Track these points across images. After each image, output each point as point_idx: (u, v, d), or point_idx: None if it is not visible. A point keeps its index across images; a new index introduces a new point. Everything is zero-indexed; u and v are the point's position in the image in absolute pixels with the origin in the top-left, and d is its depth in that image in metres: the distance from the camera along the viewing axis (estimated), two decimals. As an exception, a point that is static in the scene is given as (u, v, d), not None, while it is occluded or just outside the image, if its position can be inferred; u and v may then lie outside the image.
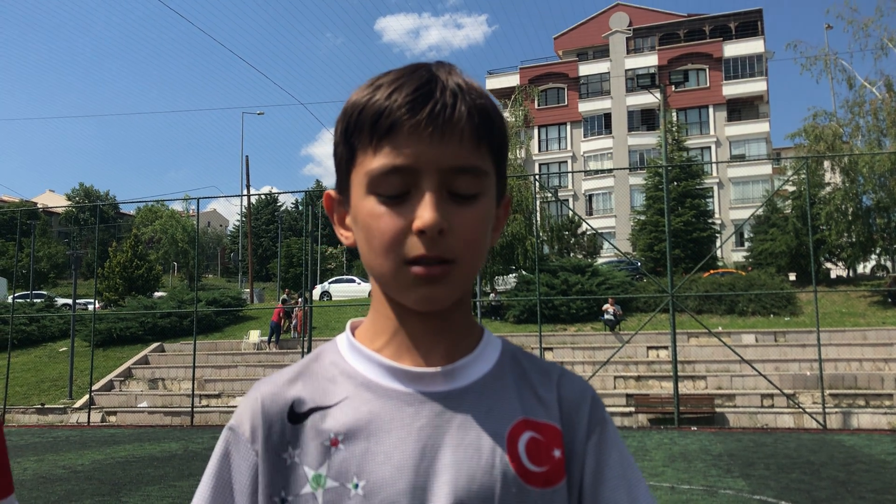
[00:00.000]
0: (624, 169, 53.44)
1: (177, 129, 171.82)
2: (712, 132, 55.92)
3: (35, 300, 39.33)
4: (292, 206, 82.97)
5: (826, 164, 30.70)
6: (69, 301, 34.53)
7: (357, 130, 0.87)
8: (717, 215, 47.74)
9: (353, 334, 0.96)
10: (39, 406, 26.24)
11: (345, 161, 0.91)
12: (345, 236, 0.94)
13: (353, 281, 41.81)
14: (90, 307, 32.76)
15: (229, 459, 0.91)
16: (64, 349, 30.54)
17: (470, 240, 0.85)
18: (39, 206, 61.81)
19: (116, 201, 49.57)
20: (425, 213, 0.82)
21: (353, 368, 0.91)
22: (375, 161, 0.85)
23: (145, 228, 63.33)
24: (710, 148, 55.40)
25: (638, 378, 23.02)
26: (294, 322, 29.30)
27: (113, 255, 45.44)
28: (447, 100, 0.84)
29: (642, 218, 41.86)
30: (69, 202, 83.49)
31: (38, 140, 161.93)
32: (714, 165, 52.90)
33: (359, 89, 0.89)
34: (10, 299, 33.17)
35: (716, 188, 52.58)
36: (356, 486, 0.85)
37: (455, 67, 0.90)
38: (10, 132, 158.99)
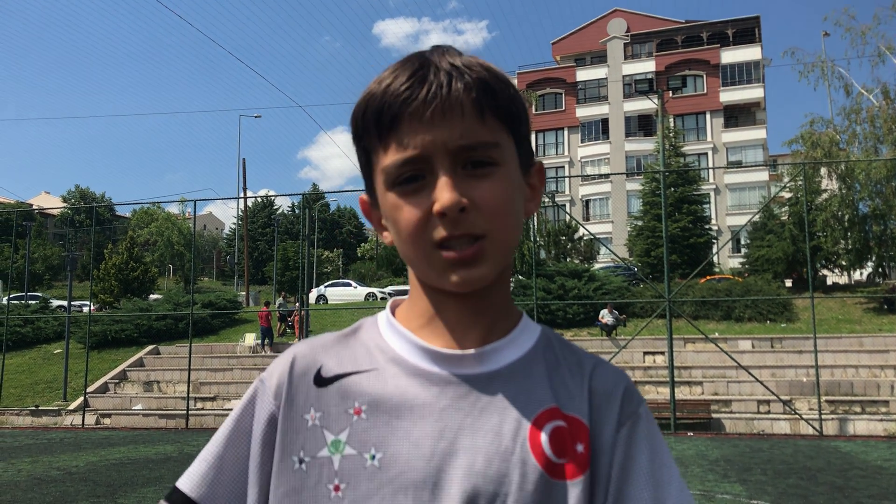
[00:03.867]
0: (621, 174, 53.52)
1: (174, 132, 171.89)
2: (709, 138, 56.04)
3: (30, 302, 39.25)
4: (289, 209, 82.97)
5: (823, 170, 30.75)
6: (64, 303, 34.43)
7: (365, 132, 0.88)
8: (713, 221, 47.82)
9: (392, 314, 0.96)
10: (34, 408, 26.14)
11: (363, 164, 0.92)
12: (385, 237, 0.94)
13: (349, 285, 41.79)
14: (85, 309, 32.68)
15: (252, 408, 0.93)
16: (58, 351, 30.43)
17: (496, 210, 0.84)
18: (35, 207, 61.66)
19: (112, 203, 49.46)
20: (443, 195, 0.82)
21: (387, 344, 0.92)
22: (387, 158, 0.85)
23: (141, 231, 63.27)
24: (706, 154, 55.51)
25: (634, 383, 22.87)
26: (290, 324, 29.24)
27: (108, 257, 45.34)
28: (442, 80, 0.84)
29: (639, 223, 41.90)
30: (65, 204, 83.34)
31: (33, 141, 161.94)
32: (711, 171, 52.99)
33: (365, 90, 0.89)
34: (4, 300, 33.09)
35: (713, 194, 52.68)
36: (373, 456, 0.85)
37: (451, 49, 0.90)
38: (5, 133, 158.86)
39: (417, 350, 0.90)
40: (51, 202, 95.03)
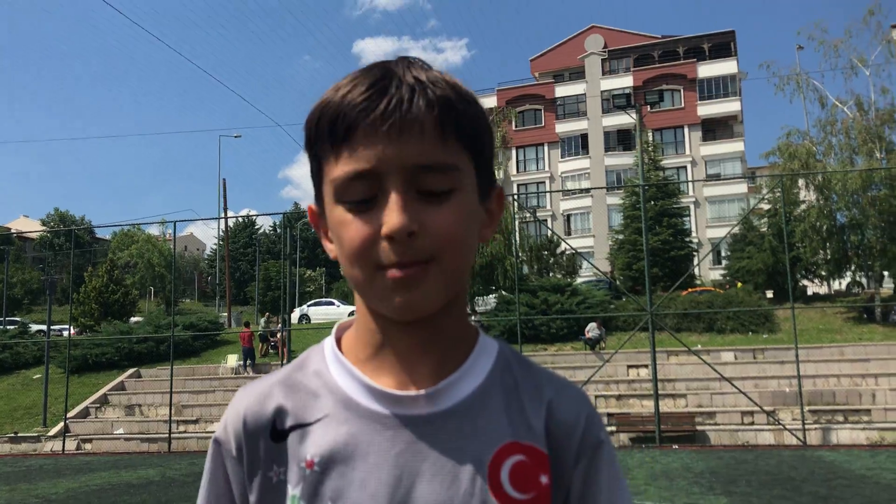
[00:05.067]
0: (601, 188, 53.81)
1: (154, 153, 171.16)
2: (688, 152, 56.52)
3: (8, 327, 38.74)
4: (270, 229, 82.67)
5: (800, 182, 31.07)
6: (44, 327, 34.05)
7: (318, 139, 0.83)
8: (694, 234, 48.13)
9: (338, 342, 0.92)
10: (12, 435, 25.74)
11: (314, 172, 0.87)
12: (329, 249, 0.89)
13: (332, 304, 41.59)
14: (65, 333, 32.32)
15: (223, 473, 0.90)
16: (38, 376, 30.02)
17: (447, 238, 0.80)
18: (13, 231, 60.99)
19: (92, 226, 49.09)
20: (391, 217, 0.78)
21: (336, 383, 0.87)
22: (337, 168, 0.81)
23: (121, 253, 62.76)
24: (685, 167, 55.96)
25: (619, 397, 23.02)
26: (273, 344, 29.06)
27: (88, 280, 44.95)
28: (403, 94, 0.79)
29: (620, 237, 42.10)
30: (44, 227, 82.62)
31: (11, 164, 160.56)
32: (690, 184, 53.39)
33: (321, 97, 0.85)
34: (-18, 326, 32.66)
35: (692, 207, 53.06)
36: None
37: (418, 61, 0.85)
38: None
39: (367, 390, 0.85)
40: (29, 226, 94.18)
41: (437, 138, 0.80)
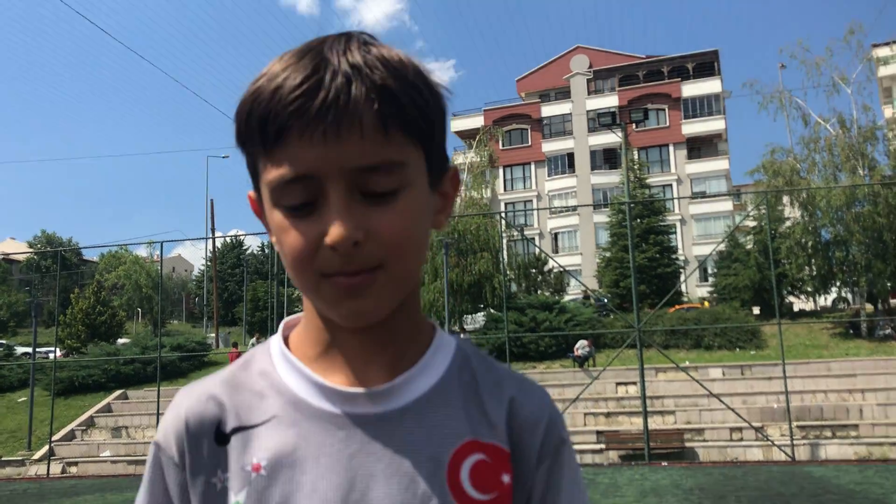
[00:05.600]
0: (588, 206, 54.03)
1: (141, 174, 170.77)
2: (673, 170, 56.90)
3: (-7, 349, 38.40)
4: (258, 249, 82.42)
5: (785, 199, 31.34)
6: (29, 350, 33.76)
7: (249, 138, 0.76)
8: (680, 251, 48.38)
9: (286, 340, 0.86)
10: (-3, 458, 25.44)
11: (249, 166, 0.81)
12: (273, 242, 0.82)
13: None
14: (51, 355, 32.07)
15: (161, 481, 0.84)
16: (23, 399, 29.73)
17: (396, 243, 0.74)
18: (0, 254, 60.70)
19: (78, 247, 48.85)
20: (334, 227, 0.72)
21: (283, 382, 0.82)
22: (271, 172, 0.74)
23: (109, 275, 62.39)
24: (671, 185, 56.32)
25: (608, 414, 23.00)
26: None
27: (75, 301, 44.67)
28: (339, 87, 0.71)
29: (607, 254, 42.26)
30: (30, 249, 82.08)
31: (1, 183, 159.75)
32: (676, 202, 53.71)
33: (252, 83, 0.76)
34: (-33, 349, 32.40)
35: (678, 225, 53.36)
36: None
37: (357, 38, 0.77)
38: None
39: (317, 389, 0.80)
40: (16, 248, 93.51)
41: (379, 135, 0.72)
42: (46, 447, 24.83)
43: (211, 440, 0.81)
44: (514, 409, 0.83)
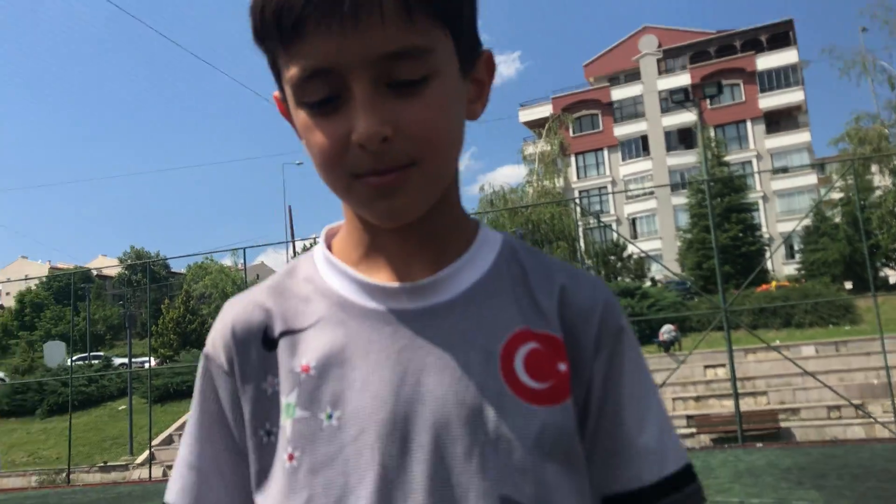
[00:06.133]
0: (664, 186, 52.97)
1: (221, 185, 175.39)
2: (752, 146, 55.27)
3: (93, 361, 40.17)
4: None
5: (873, 167, 30.10)
6: (126, 360, 35.20)
7: (265, 33, 0.73)
8: (764, 229, 47.00)
9: (329, 245, 0.86)
10: (102, 464, 26.62)
11: (270, 64, 0.78)
12: (304, 142, 0.80)
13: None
14: (146, 365, 33.39)
15: (214, 391, 0.84)
16: (123, 407, 31.03)
17: (428, 137, 0.71)
18: (93, 270, 63.54)
19: (164, 258, 51.19)
20: (360, 123, 0.69)
21: (328, 285, 0.81)
22: (291, 68, 0.71)
23: (196, 285, 64.48)
24: (750, 162, 54.73)
25: (697, 398, 22.56)
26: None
27: (166, 311, 46.34)
28: None
29: (688, 236, 41.39)
30: (120, 265, 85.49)
31: (87, 205, 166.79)
32: (757, 179, 52.14)
33: None
34: (68, 362, 33.89)
35: (761, 202, 51.81)
36: (329, 416, 0.76)
37: None
38: (59, 200, 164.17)
39: (362, 288, 0.79)
40: (107, 265, 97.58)
41: (401, 19, 0.68)
42: (147, 452, 25.81)
43: (259, 346, 0.80)
44: (565, 297, 0.81)
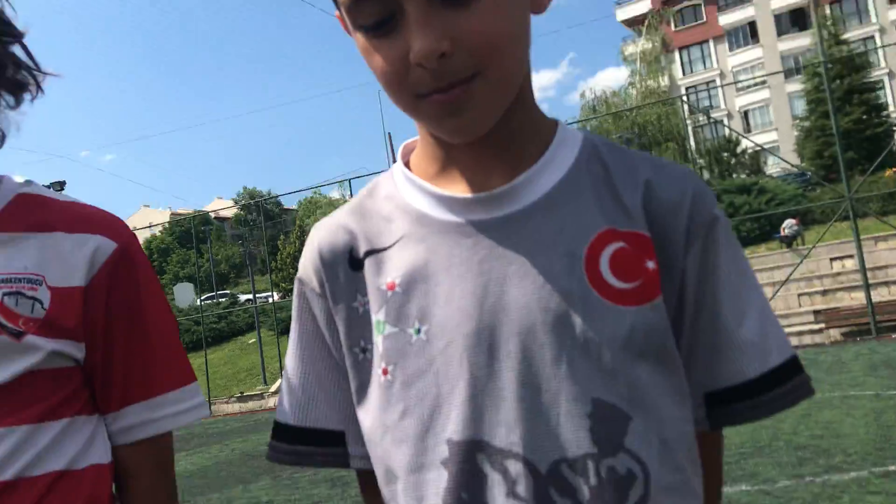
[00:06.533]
0: (777, 73, 49.93)
1: (323, 118, 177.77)
2: (873, 19, 51.20)
3: (220, 300, 42.30)
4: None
5: None
6: (250, 296, 36.88)
7: None
8: (891, 108, 43.86)
9: (407, 161, 0.86)
10: (239, 395, 28.23)
11: None
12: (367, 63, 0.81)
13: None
14: (270, 299, 34.93)
15: (311, 313, 0.87)
16: (252, 341, 32.65)
17: (487, 45, 0.69)
18: (211, 213, 66.68)
19: (276, 196, 53.80)
20: (415, 42, 0.67)
21: (407, 202, 0.82)
22: None
23: (308, 220, 66.35)
24: (873, 37, 50.76)
25: (824, 292, 21.68)
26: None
27: (283, 247, 48.11)
28: None
29: (806, 124, 39.20)
30: (235, 205, 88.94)
31: (203, 150, 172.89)
32: (881, 55, 48.39)
33: None
34: (198, 302, 35.80)
35: (886, 80, 48.26)
36: (418, 330, 0.77)
37: None
38: (177, 146, 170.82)
39: (441, 202, 0.80)
40: (223, 206, 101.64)
41: None
42: (278, 382, 27.18)
43: (346, 267, 0.83)
44: (650, 191, 0.78)
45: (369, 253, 0.82)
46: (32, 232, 0.95)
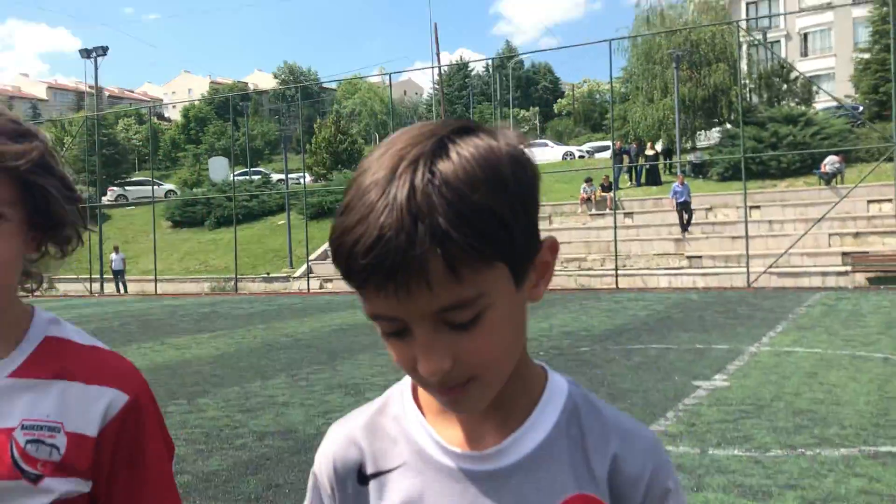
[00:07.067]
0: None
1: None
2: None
3: (253, 177, 42.62)
4: (483, 70, 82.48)
5: None
6: (283, 176, 37.09)
7: (338, 266, 0.79)
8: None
9: (414, 392, 0.95)
10: (265, 275, 28.91)
11: None
12: None
13: (546, 145, 41.29)
14: (301, 181, 35.12)
15: (319, 502, 0.99)
16: (282, 222, 33.12)
17: (484, 362, 0.79)
18: (250, 86, 65.92)
19: (318, 79, 52.96)
20: (421, 363, 0.78)
21: (410, 433, 0.92)
22: (364, 304, 0.80)
23: (346, 101, 65.80)
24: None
25: (856, 234, 21.46)
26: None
27: (318, 130, 47.95)
28: (401, 243, 0.72)
29: (866, 56, 37.66)
30: (275, 80, 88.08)
31: (244, 23, 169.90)
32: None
33: (338, 221, 0.79)
34: (231, 177, 36.13)
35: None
36: None
37: (431, 155, 0.75)
38: (220, 18, 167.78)
39: (436, 444, 0.90)
40: (263, 79, 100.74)
41: (448, 280, 0.74)
42: (305, 266, 27.72)
43: (354, 481, 0.93)
44: (617, 466, 0.88)
45: (375, 475, 0.92)
46: (56, 379, 1.07)
